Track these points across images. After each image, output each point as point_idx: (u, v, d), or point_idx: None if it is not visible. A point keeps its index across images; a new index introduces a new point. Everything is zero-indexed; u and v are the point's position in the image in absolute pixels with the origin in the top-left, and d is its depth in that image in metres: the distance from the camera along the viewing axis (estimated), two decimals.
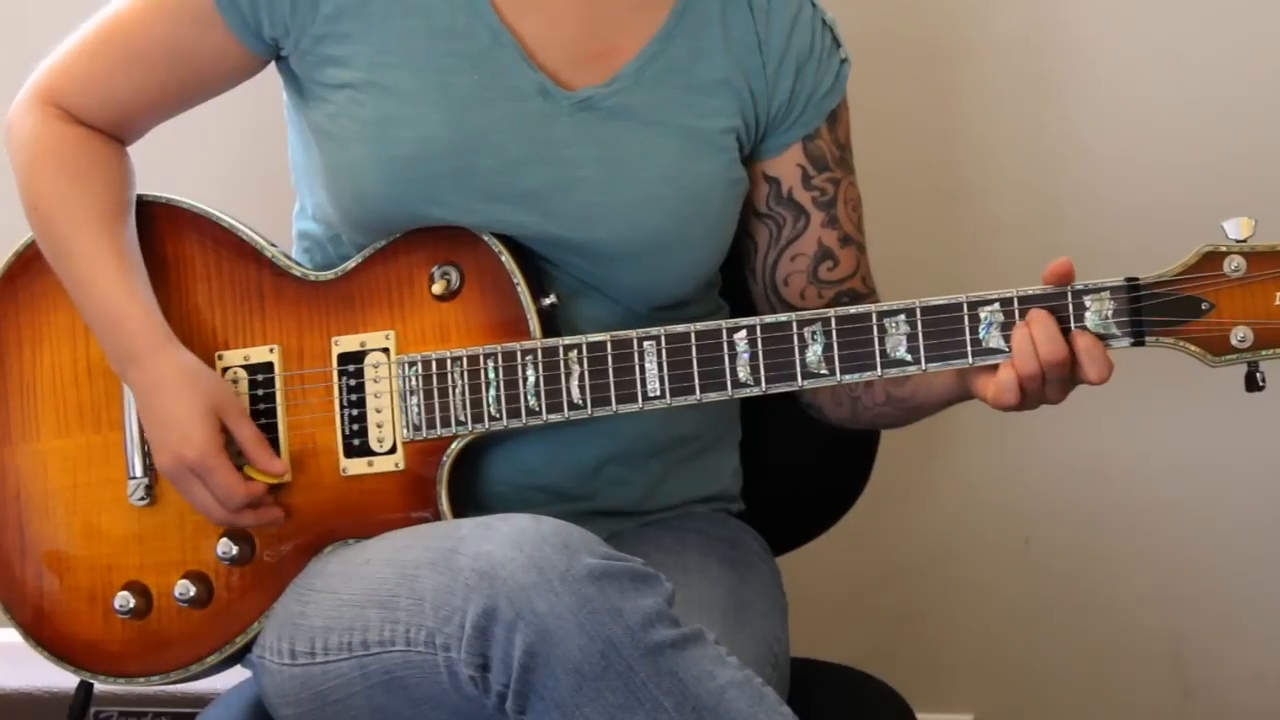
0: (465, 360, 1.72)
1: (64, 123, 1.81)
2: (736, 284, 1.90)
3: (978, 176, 2.42)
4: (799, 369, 1.66)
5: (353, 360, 1.76)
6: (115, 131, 1.83)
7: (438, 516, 1.73)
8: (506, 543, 1.54)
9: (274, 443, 1.76)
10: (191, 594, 1.76)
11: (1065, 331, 1.62)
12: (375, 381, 1.75)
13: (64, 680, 1.86)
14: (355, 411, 1.75)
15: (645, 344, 1.69)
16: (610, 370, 1.69)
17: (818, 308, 1.76)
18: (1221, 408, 2.36)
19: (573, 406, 1.70)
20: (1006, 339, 1.63)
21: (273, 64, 1.83)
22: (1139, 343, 1.61)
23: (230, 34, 1.77)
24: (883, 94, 2.30)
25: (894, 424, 1.84)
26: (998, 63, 2.39)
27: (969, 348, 1.64)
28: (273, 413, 1.77)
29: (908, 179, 2.41)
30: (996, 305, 1.63)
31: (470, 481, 1.77)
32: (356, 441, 1.75)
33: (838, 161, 1.84)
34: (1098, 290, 1.61)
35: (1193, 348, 1.60)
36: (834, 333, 1.66)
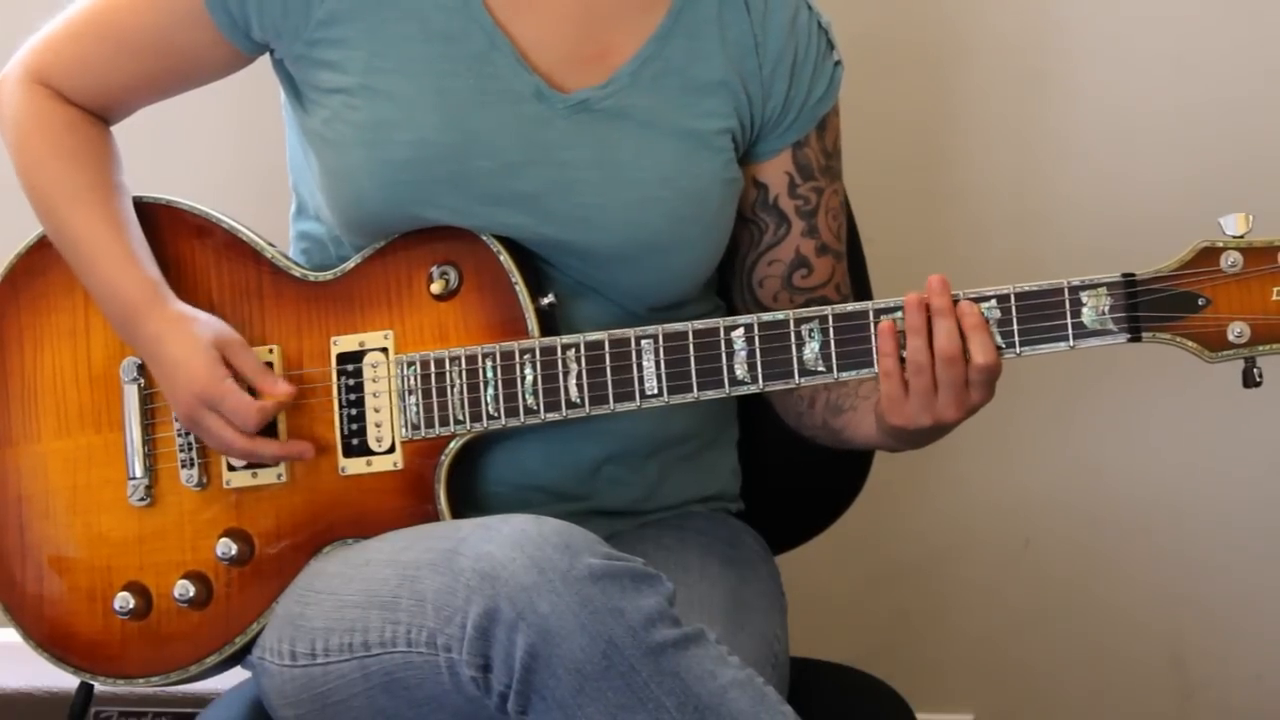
0: (464, 360, 1.72)
1: (54, 102, 1.82)
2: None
3: (971, 176, 2.43)
4: (796, 366, 1.66)
5: (351, 360, 1.76)
6: (102, 113, 1.85)
7: (436, 516, 1.73)
8: (507, 543, 1.54)
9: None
10: (191, 594, 1.76)
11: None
12: (374, 381, 1.75)
13: (64, 680, 1.86)
14: (354, 411, 1.75)
15: (643, 342, 1.69)
16: (608, 369, 1.69)
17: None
18: (1221, 408, 2.37)
19: (571, 405, 1.70)
20: (1005, 335, 1.63)
21: (270, 65, 1.83)
22: (1136, 339, 1.61)
23: (219, 33, 1.77)
24: (876, 94, 2.30)
25: (830, 446, 1.84)
26: (991, 62, 2.40)
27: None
28: None
29: (901, 179, 2.41)
30: (994, 302, 1.63)
31: (469, 482, 1.77)
32: (355, 441, 1.75)
33: (823, 170, 1.85)
34: (1094, 286, 1.61)
35: (1190, 344, 1.60)
36: (831, 330, 1.66)
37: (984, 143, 2.41)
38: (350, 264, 1.78)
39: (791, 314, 1.67)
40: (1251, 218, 1.59)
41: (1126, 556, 2.49)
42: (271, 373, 1.75)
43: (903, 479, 2.39)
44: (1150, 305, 1.60)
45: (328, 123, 1.76)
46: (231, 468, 1.78)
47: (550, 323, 1.74)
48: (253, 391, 1.73)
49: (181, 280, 1.80)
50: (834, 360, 1.66)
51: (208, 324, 1.74)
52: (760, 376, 1.67)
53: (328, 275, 1.79)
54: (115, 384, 1.82)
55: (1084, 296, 1.61)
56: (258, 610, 1.76)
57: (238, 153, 2.48)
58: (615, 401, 1.70)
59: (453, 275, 1.75)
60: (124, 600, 1.78)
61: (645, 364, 1.69)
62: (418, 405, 1.74)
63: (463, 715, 1.58)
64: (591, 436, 1.79)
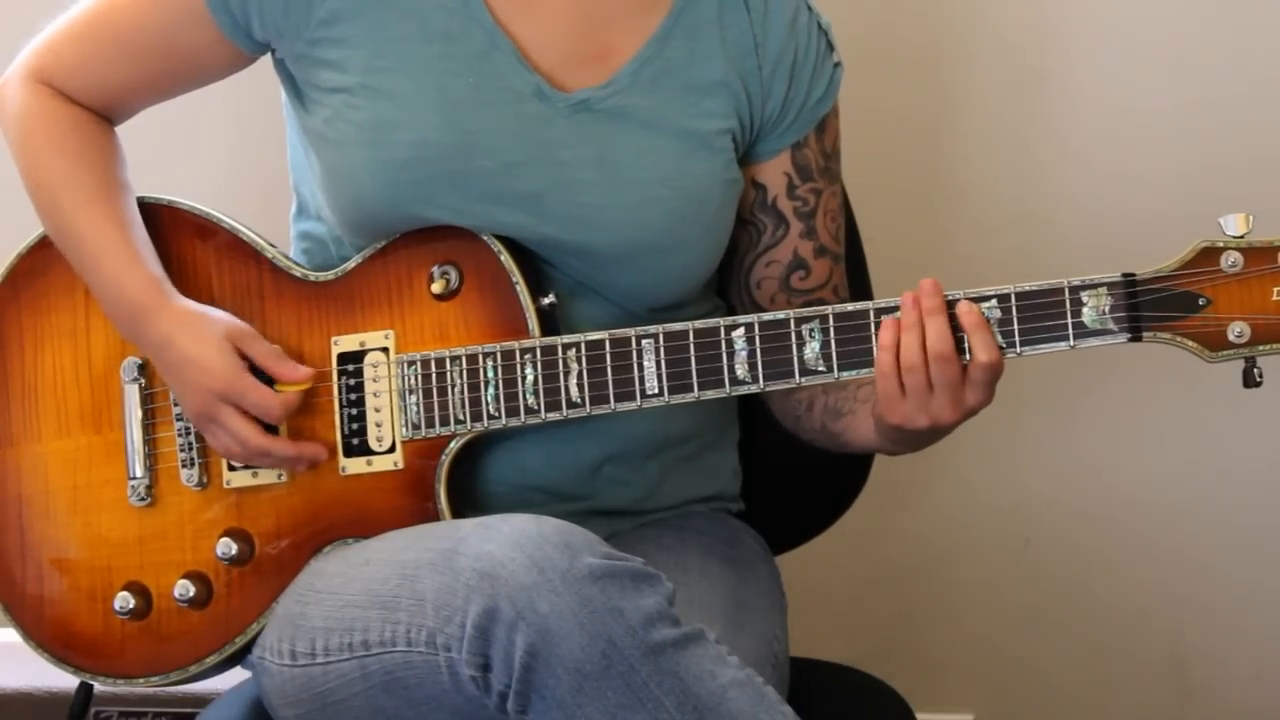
0: (464, 359, 1.72)
1: (58, 101, 1.82)
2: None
3: (971, 176, 2.43)
4: (797, 366, 1.66)
5: (352, 360, 1.76)
6: (106, 113, 1.85)
7: (437, 516, 1.73)
8: (507, 543, 1.54)
9: None
10: (191, 594, 1.76)
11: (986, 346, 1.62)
12: (374, 381, 1.75)
13: (64, 680, 1.86)
14: (354, 411, 1.75)
15: (644, 342, 1.69)
16: (609, 368, 1.70)
17: None
18: (1221, 408, 2.37)
19: (571, 405, 1.70)
20: (1005, 335, 1.63)
21: (270, 66, 1.83)
22: (1136, 338, 1.61)
23: (220, 33, 1.78)
24: (876, 94, 2.30)
25: (828, 450, 1.84)
26: (991, 63, 2.40)
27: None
28: None
29: (901, 179, 2.41)
30: (994, 302, 1.63)
31: (469, 482, 1.77)
32: (356, 441, 1.75)
33: (821, 171, 1.85)
34: (1095, 286, 1.61)
35: (1190, 343, 1.60)
36: (831, 330, 1.66)
37: (984, 143, 2.41)
38: (351, 264, 1.78)
39: (792, 314, 1.67)
40: (1252, 218, 1.59)
41: (1126, 556, 2.49)
42: (287, 359, 1.74)
43: (903, 479, 2.39)
44: (1151, 305, 1.60)
45: (329, 122, 1.76)
46: (232, 467, 1.78)
47: (550, 323, 1.74)
48: (268, 382, 1.73)
49: (183, 280, 1.80)
50: (834, 360, 1.66)
51: (217, 318, 1.74)
52: (761, 376, 1.68)
53: (328, 275, 1.79)
54: (116, 384, 1.82)
55: (1084, 296, 1.61)
56: (258, 610, 1.76)
57: (239, 153, 2.48)
58: (616, 401, 1.70)
59: (453, 275, 1.75)
60: (124, 600, 1.78)
61: (646, 364, 1.69)
62: (418, 405, 1.74)
63: (462, 715, 1.58)
64: (592, 436, 1.79)
